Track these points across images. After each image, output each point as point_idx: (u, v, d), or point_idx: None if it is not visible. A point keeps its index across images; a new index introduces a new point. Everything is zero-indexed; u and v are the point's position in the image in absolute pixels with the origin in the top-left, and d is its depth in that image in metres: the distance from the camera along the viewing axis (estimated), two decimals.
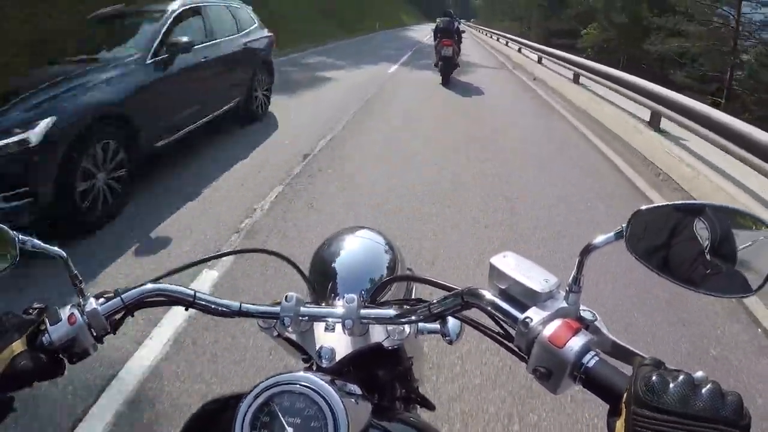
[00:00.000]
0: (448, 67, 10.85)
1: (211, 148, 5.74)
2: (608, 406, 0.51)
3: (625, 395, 0.47)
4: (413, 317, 0.72)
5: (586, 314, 0.62)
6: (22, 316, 0.69)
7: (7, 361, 0.63)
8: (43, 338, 0.68)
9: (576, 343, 0.54)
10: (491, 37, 32.04)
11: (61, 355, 0.69)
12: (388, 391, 0.94)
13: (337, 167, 5.30)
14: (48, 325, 0.69)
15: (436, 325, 0.81)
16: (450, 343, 0.82)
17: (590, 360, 0.53)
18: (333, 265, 0.98)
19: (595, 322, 0.62)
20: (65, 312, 0.70)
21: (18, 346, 0.65)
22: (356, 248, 1.02)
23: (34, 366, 0.65)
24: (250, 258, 3.24)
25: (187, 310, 0.76)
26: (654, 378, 0.45)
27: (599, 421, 2.03)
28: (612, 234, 0.60)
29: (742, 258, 0.57)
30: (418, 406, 1.03)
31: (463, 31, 12.08)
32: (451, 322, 0.81)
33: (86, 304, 0.71)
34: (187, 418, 0.76)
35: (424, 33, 33.38)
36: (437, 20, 11.52)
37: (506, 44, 23.44)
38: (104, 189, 3.82)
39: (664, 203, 0.61)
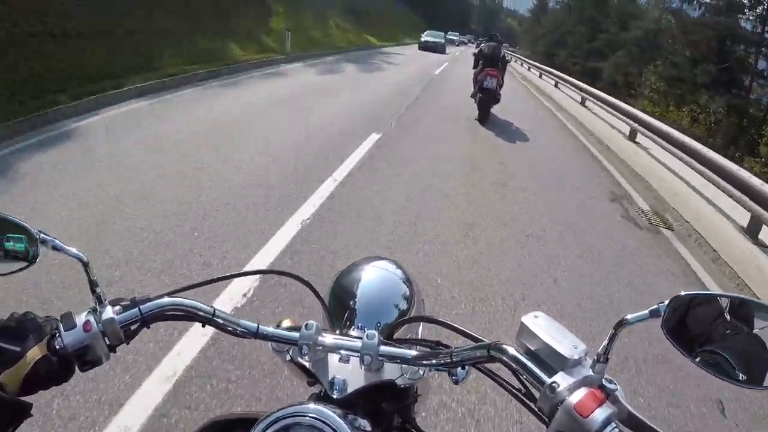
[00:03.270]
0: (488, 101, 9.06)
1: None
2: None
3: None
4: (434, 361, 0.71)
5: (608, 384, 0.62)
6: (40, 318, 0.68)
7: (29, 365, 0.62)
8: (56, 343, 0.66)
9: (600, 414, 0.54)
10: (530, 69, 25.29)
11: (74, 361, 0.68)
12: (387, 422, 0.93)
13: None
14: (62, 329, 0.67)
15: None
16: (456, 383, 0.81)
17: None
18: (352, 294, 0.98)
19: (616, 392, 0.62)
20: (81, 318, 0.68)
21: (39, 350, 0.64)
22: (374, 279, 1.02)
23: (52, 371, 0.64)
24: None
25: (204, 326, 0.75)
26: None
27: None
28: (647, 311, 0.61)
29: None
30: None
31: (509, 60, 10.32)
32: None
33: (103, 312, 0.69)
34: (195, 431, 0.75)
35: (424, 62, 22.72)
36: (481, 45, 9.80)
37: (555, 85, 17.06)
38: None
39: (707, 292, 0.62)
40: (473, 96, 9.69)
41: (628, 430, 0.57)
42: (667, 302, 0.62)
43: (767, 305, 0.61)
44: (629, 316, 0.61)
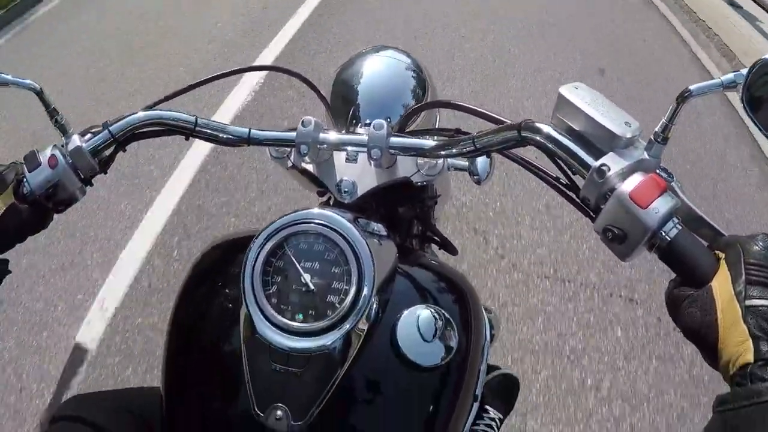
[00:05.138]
0: None
1: None
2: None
3: (721, 261, 0.43)
4: (454, 150, 0.60)
5: (663, 173, 0.51)
6: (2, 166, 0.61)
7: None
8: (23, 188, 0.60)
9: (662, 205, 0.44)
10: None
11: (45, 204, 0.61)
12: (405, 230, 0.88)
13: None
14: (26, 171, 0.60)
15: (463, 162, 0.72)
16: (478, 183, 0.74)
17: (673, 228, 0.45)
18: (355, 88, 0.85)
19: (672, 183, 0.51)
20: (45, 154, 0.61)
21: (4, 200, 0.58)
22: (381, 70, 0.88)
23: (23, 220, 0.59)
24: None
25: (187, 139, 0.66)
26: (760, 241, 0.42)
27: None
28: (718, 81, 0.49)
29: None
30: (437, 247, 0.98)
31: None
32: (481, 159, 0.71)
33: (69, 142, 0.62)
34: (197, 257, 0.70)
35: None
36: None
37: None
38: None
39: None
40: None
41: (687, 230, 0.47)
42: (745, 70, 0.47)
43: None
44: (693, 87, 0.48)
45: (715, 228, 0.50)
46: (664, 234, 0.45)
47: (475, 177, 0.72)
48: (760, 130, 0.50)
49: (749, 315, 0.39)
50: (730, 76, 0.48)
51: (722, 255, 0.44)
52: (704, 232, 0.51)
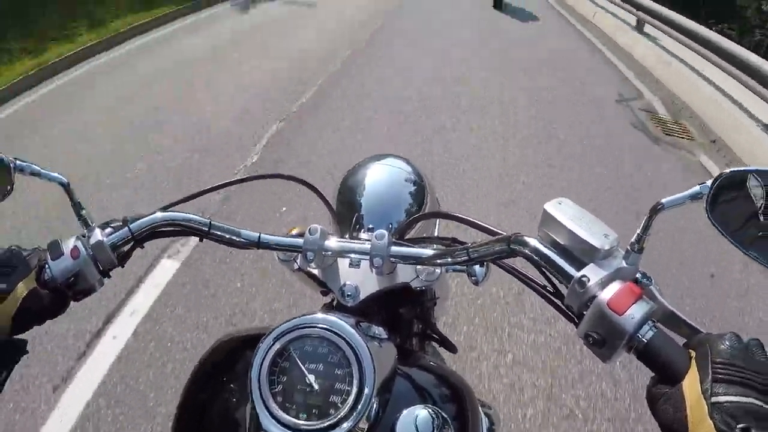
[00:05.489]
0: None
1: None
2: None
3: (693, 359, 0.46)
4: (449, 259, 0.65)
5: (642, 278, 0.55)
6: (26, 251, 0.64)
7: (18, 301, 0.59)
8: (45, 274, 0.62)
9: (637, 311, 0.48)
10: None
11: (65, 291, 0.64)
12: (406, 330, 0.90)
13: None
14: (49, 259, 0.63)
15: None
16: (476, 284, 0.77)
17: (648, 331, 0.48)
18: (359, 195, 0.91)
19: (650, 287, 0.55)
20: (68, 245, 0.64)
21: (27, 284, 0.60)
22: (384, 178, 0.95)
23: (43, 304, 0.61)
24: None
25: (201, 240, 0.71)
26: (730, 344, 0.45)
27: None
28: (687, 194, 0.53)
29: None
30: (436, 345, 1.00)
31: None
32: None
33: (91, 236, 0.65)
34: (205, 353, 0.72)
35: None
36: None
37: None
38: None
39: (759, 167, 0.53)
40: None
41: (666, 330, 0.51)
42: (710, 181, 0.53)
43: None
44: (665, 200, 0.53)
45: (691, 326, 0.54)
46: (640, 337, 0.48)
47: (473, 278, 0.75)
48: (724, 236, 0.55)
49: (715, 411, 0.41)
50: (697, 188, 0.53)
51: (693, 354, 0.47)
52: (682, 330, 0.55)
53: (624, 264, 0.54)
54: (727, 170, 0.54)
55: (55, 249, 0.64)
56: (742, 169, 0.54)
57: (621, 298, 0.49)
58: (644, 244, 0.54)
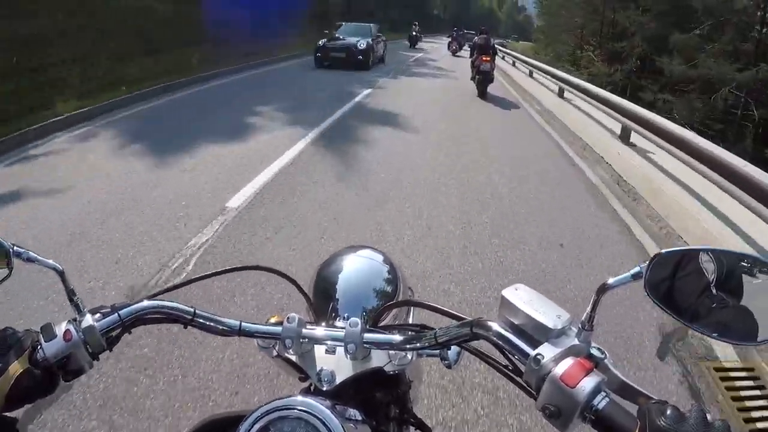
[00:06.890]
0: (485, 81, 11.49)
1: None
2: None
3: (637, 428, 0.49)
4: (418, 344, 0.70)
5: (596, 352, 0.61)
6: (20, 332, 0.67)
7: (12, 380, 0.61)
8: (38, 355, 0.65)
9: (588, 383, 0.53)
10: None
11: (56, 372, 0.67)
12: (383, 413, 0.93)
13: None
14: (42, 341, 0.66)
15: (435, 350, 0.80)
16: (449, 367, 0.80)
17: (601, 401, 0.53)
18: (334, 284, 0.97)
19: (605, 360, 0.61)
20: (60, 328, 0.67)
21: (21, 364, 0.63)
22: (358, 268, 1.01)
23: (35, 383, 0.63)
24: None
25: (186, 327, 0.74)
26: (666, 415, 0.48)
27: None
28: (629, 274, 0.60)
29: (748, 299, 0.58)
30: (413, 428, 1.01)
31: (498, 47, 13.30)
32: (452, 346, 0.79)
33: (82, 320, 0.68)
34: (189, 430, 0.74)
35: None
36: (475, 38, 12.47)
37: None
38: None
39: (689, 247, 0.61)
40: (473, 79, 12.24)
41: (618, 398, 0.56)
42: (647, 262, 0.60)
43: (753, 256, 0.59)
44: (610, 280, 0.60)
45: (643, 393, 0.58)
46: (593, 407, 0.52)
47: (445, 362, 0.78)
48: (664, 311, 0.61)
49: None
50: (637, 268, 0.60)
51: (639, 423, 0.51)
52: (636, 399, 0.59)
53: (576, 341, 0.59)
54: (663, 251, 0.61)
55: (48, 331, 0.67)
56: (673, 249, 0.61)
57: (572, 372, 0.54)
58: (594, 323, 0.60)
